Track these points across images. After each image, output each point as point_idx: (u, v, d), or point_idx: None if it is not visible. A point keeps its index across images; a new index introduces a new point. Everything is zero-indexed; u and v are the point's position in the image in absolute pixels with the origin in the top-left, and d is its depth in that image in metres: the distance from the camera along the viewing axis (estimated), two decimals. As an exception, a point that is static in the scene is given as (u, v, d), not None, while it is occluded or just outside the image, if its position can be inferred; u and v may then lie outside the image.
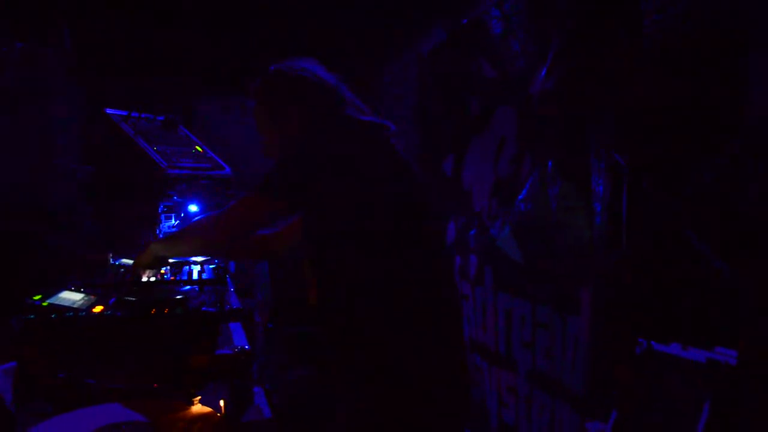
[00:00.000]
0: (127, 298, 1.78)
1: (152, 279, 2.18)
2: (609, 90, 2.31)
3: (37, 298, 1.73)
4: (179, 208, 3.66)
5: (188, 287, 2.06)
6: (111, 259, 2.58)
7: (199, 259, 2.70)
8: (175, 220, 3.63)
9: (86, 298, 1.83)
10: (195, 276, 2.34)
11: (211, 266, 2.49)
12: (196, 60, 4.86)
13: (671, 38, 2.13)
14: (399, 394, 1.56)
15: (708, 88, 1.99)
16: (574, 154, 2.47)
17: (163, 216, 3.59)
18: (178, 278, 2.26)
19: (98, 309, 1.71)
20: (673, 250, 2.08)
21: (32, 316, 1.63)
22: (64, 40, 4.10)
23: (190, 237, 1.89)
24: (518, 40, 2.96)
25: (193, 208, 3.69)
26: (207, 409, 1.53)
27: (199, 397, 1.59)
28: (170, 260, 2.59)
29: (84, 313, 1.68)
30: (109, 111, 3.77)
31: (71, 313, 1.66)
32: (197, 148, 3.89)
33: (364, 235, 1.57)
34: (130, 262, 2.68)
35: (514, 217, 2.90)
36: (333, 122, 1.74)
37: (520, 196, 2.85)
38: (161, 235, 3.47)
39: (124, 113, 3.75)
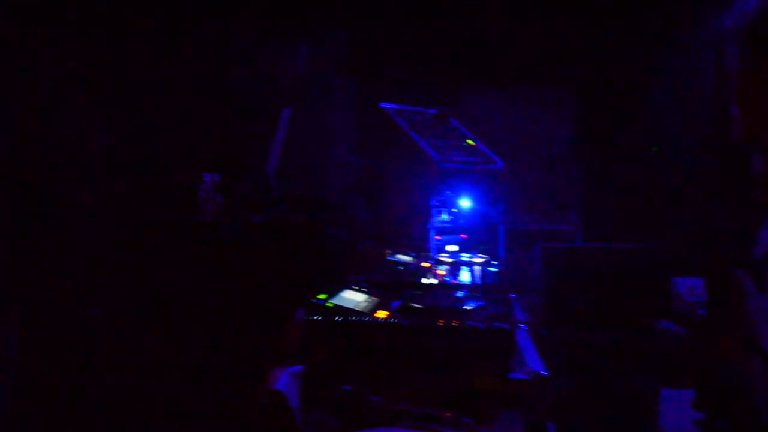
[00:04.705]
0: (412, 304, 1.61)
1: (433, 281, 2.02)
2: None
3: (321, 297, 1.64)
4: (451, 202, 3.53)
5: (466, 293, 1.84)
6: (389, 255, 2.49)
7: (479, 259, 2.50)
8: (448, 215, 3.50)
9: (369, 300, 1.71)
10: (471, 278, 2.13)
11: (492, 269, 2.27)
12: (463, 51, 4.75)
13: None
14: None
15: None
16: None
17: (434, 210, 3.49)
18: (458, 281, 2.06)
19: (382, 314, 1.57)
20: None
21: (318, 317, 1.53)
22: (339, 39, 4.21)
23: None
24: None
25: (464, 202, 3.53)
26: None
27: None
28: (447, 260, 2.44)
29: (369, 318, 1.54)
30: (383, 105, 3.77)
31: (356, 317, 1.53)
32: (468, 141, 3.74)
33: None
34: (407, 258, 2.58)
35: None
36: None
37: None
38: (432, 230, 3.38)
39: (397, 107, 3.73)
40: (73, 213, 2.83)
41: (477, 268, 2.29)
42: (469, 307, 1.59)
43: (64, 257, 2.69)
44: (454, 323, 1.49)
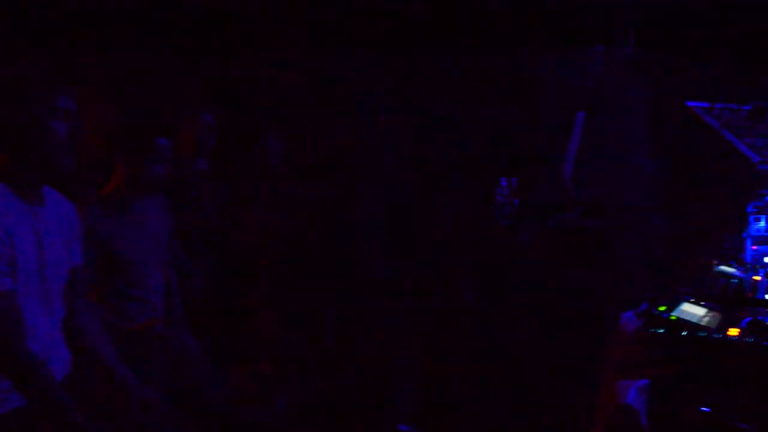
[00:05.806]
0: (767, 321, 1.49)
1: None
2: None
3: (662, 309, 1.59)
4: (770, 208, 3.21)
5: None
6: (714, 266, 2.33)
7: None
8: (766, 222, 3.19)
9: (710, 314, 1.62)
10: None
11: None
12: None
13: None
14: None
15: None
16: None
17: (751, 217, 3.20)
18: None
19: (734, 332, 1.47)
20: None
21: (661, 330, 1.49)
22: (629, 40, 4.06)
23: None
24: None
25: (793, 211, 3.18)
26: None
27: None
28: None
29: (719, 335, 1.46)
30: (690, 103, 3.55)
31: (704, 333, 1.46)
32: (790, 139, 3.36)
33: None
34: (731, 269, 2.39)
35: None
36: None
37: None
38: (749, 239, 3.10)
39: (706, 104, 3.48)
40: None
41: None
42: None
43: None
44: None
